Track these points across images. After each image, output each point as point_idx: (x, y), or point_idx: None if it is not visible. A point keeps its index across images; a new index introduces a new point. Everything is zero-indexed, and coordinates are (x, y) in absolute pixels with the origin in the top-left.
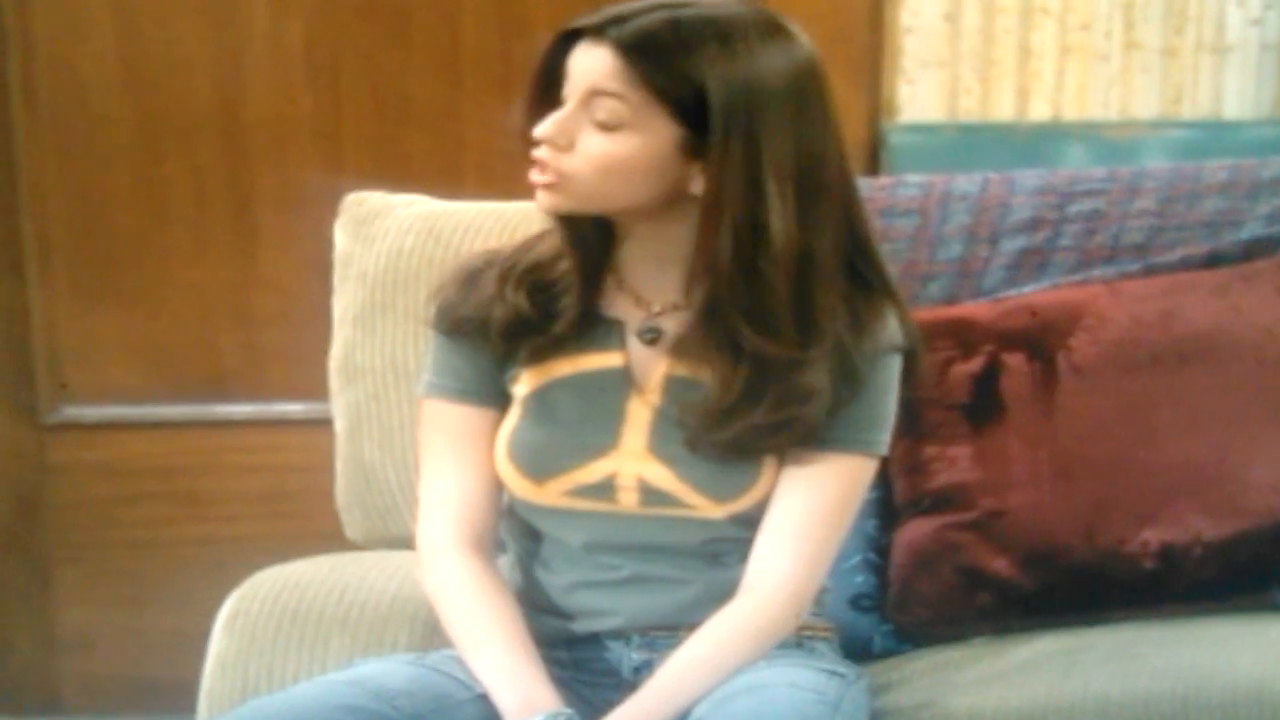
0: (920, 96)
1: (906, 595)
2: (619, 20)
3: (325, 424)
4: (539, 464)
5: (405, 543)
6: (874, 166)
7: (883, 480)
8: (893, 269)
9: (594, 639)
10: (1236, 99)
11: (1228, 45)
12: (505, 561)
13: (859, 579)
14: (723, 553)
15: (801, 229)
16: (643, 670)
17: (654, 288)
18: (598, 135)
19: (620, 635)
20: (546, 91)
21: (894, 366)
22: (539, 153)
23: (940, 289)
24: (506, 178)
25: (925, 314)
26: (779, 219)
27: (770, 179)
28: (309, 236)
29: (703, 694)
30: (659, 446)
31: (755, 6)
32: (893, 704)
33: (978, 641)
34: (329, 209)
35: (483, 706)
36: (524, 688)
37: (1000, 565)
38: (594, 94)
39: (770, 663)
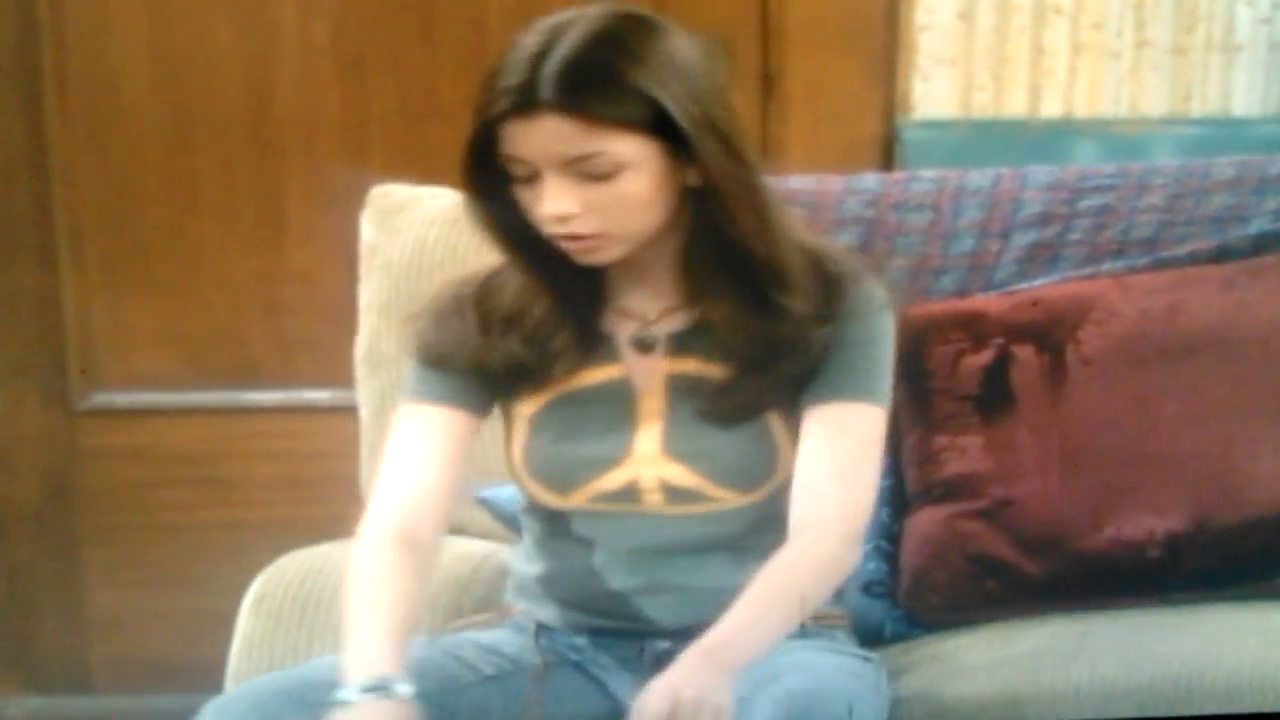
0: (934, 93)
1: (918, 582)
2: (545, 84)
3: (351, 411)
4: (560, 477)
5: None
6: (888, 162)
7: (894, 469)
8: (906, 262)
9: (616, 632)
10: (1245, 96)
11: (1237, 44)
12: (518, 552)
13: (870, 565)
14: (752, 547)
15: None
16: (663, 659)
17: (643, 297)
18: (601, 187)
19: (647, 630)
20: (483, 168)
21: (879, 325)
22: (560, 229)
23: (952, 282)
24: None
25: (937, 306)
26: (762, 184)
27: (743, 150)
28: (336, 228)
29: (780, 632)
30: (673, 447)
31: (628, 7)
32: (904, 688)
33: (987, 627)
34: (356, 201)
35: (490, 689)
36: (370, 667)
37: (1009, 553)
38: (573, 161)
39: (801, 647)
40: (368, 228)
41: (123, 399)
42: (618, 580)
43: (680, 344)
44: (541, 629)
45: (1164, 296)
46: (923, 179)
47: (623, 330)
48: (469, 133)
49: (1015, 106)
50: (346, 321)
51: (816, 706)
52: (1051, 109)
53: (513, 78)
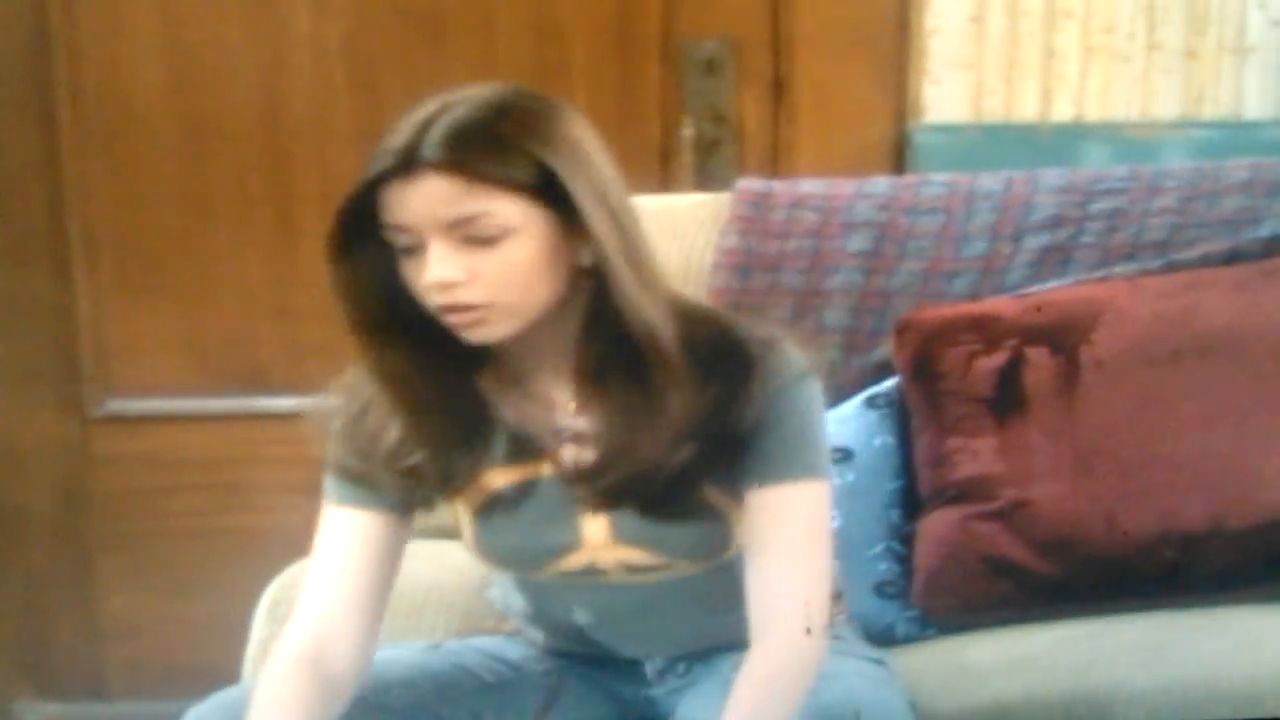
0: (945, 97)
1: (931, 583)
2: (429, 145)
3: None
4: (520, 563)
5: (443, 532)
6: (900, 166)
7: (906, 471)
8: (918, 265)
9: (612, 657)
10: (1257, 99)
11: (1248, 47)
12: (504, 582)
13: (882, 566)
14: (722, 585)
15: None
16: (667, 673)
17: (547, 383)
18: (487, 254)
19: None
20: (354, 235)
21: (804, 395)
22: (445, 298)
23: (964, 285)
24: None
25: (949, 309)
26: (651, 265)
27: (632, 228)
28: None
29: None
30: (624, 535)
31: (512, 85)
32: (916, 690)
33: (999, 629)
34: None
35: (488, 697)
36: None
37: (1022, 555)
38: (457, 223)
39: None
40: None
41: (136, 405)
42: (597, 631)
43: (602, 429)
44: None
45: (1176, 299)
46: (934, 183)
47: (538, 421)
48: (345, 200)
49: (1026, 110)
50: None
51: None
52: (1063, 112)
53: (397, 140)
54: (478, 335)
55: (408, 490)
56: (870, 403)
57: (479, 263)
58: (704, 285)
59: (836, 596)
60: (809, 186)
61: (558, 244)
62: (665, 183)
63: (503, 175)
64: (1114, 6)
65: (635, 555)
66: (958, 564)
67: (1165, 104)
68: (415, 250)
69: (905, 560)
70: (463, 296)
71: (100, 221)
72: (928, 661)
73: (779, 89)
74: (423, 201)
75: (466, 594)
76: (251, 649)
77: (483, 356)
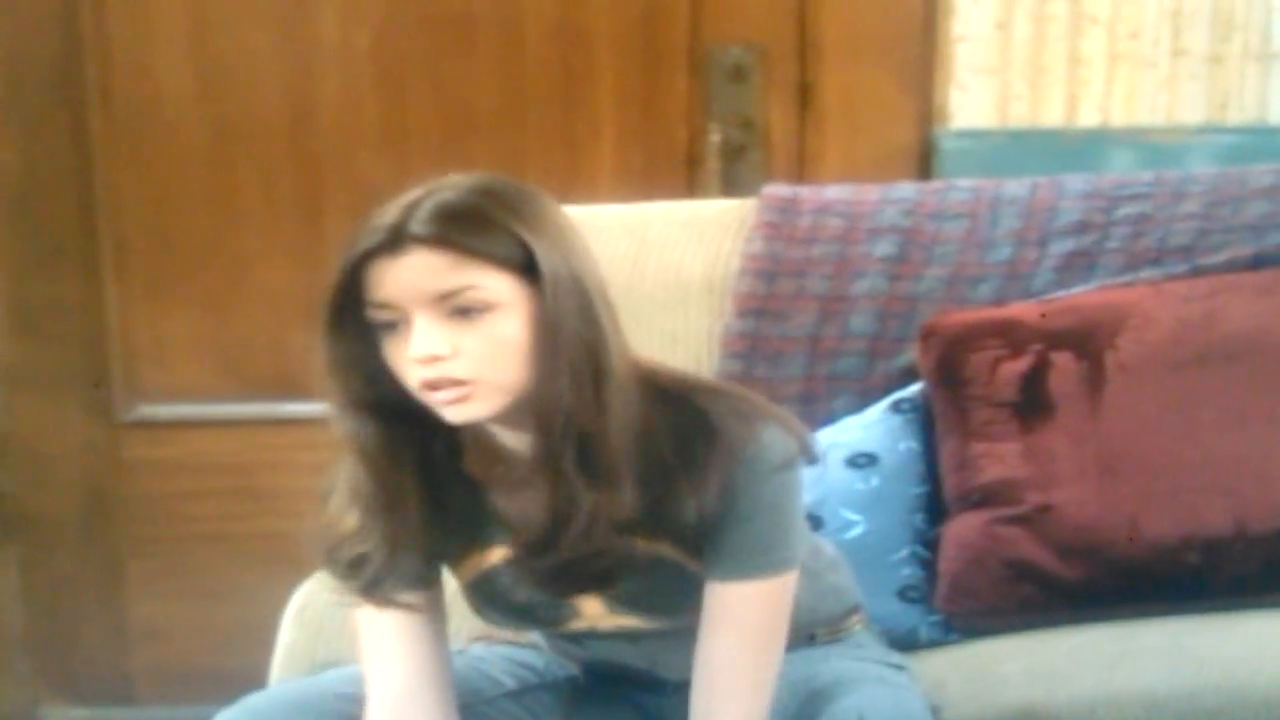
0: (971, 103)
1: (955, 587)
2: (417, 222)
3: None
4: (520, 628)
5: None
6: (925, 172)
7: (931, 475)
8: (943, 271)
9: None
10: None
11: (1273, 52)
12: None
13: (906, 571)
14: None
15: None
16: (686, 687)
17: (519, 464)
18: (473, 329)
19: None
20: (342, 313)
21: (779, 486)
22: (430, 373)
23: (990, 290)
24: (566, 184)
25: (974, 314)
26: (615, 342)
27: (600, 318)
28: None
29: None
30: (618, 604)
31: (494, 174)
32: (940, 694)
33: (1023, 633)
34: None
35: (513, 702)
36: None
37: (1047, 559)
38: (444, 296)
39: (836, 657)
40: None
41: (164, 410)
42: (608, 660)
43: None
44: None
45: (1201, 304)
46: (960, 188)
47: (511, 502)
48: (334, 279)
49: (1052, 116)
50: None
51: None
52: (1088, 118)
53: (384, 219)
54: (460, 413)
55: (406, 583)
56: (895, 408)
57: (465, 338)
58: (730, 291)
59: (855, 608)
60: (834, 192)
61: (541, 325)
62: (691, 189)
63: (489, 251)
64: (1139, 12)
65: (632, 622)
66: (981, 568)
67: (1190, 109)
68: (399, 329)
69: (929, 565)
70: (448, 371)
71: (130, 227)
72: (950, 666)
73: (805, 95)
74: (410, 275)
75: None
76: (279, 654)
77: (461, 441)
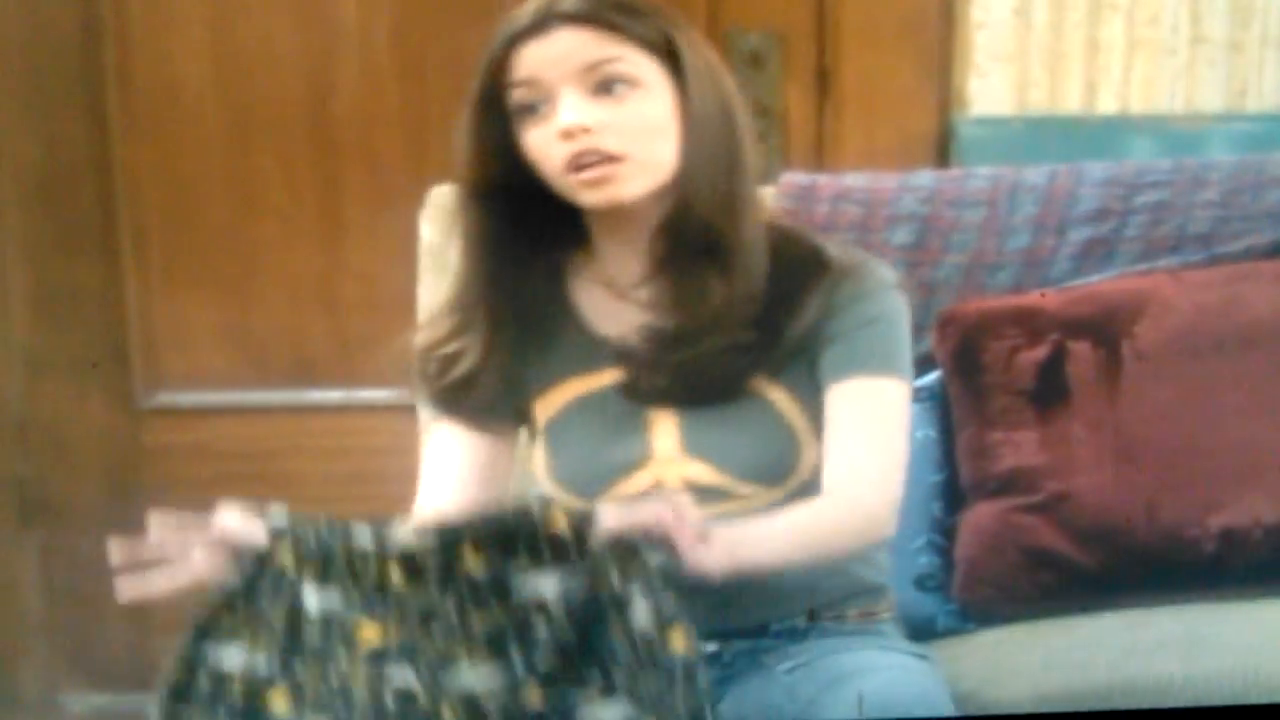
0: (990, 90)
1: (972, 575)
2: (564, 2)
3: (410, 409)
4: (583, 485)
5: None
6: (944, 158)
7: (948, 463)
8: (961, 258)
9: None
10: None
11: None
12: None
13: (923, 560)
14: None
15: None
16: (713, 661)
17: (630, 284)
18: (618, 106)
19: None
20: (486, 103)
21: (889, 302)
22: (577, 146)
23: (1008, 278)
24: None
25: (992, 302)
26: (749, 143)
27: (735, 113)
28: (395, 227)
29: (787, 558)
30: (693, 444)
31: None
32: (957, 682)
33: (1040, 621)
34: (415, 200)
35: None
36: None
37: (1064, 546)
38: (590, 69)
39: (857, 648)
40: (427, 227)
41: (184, 397)
42: None
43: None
44: None
45: (1219, 291)
46: (978, 175)
47: (610, 321)
48: (479, 69)
49: (1071, 103)
50: (406, 320)
51: (897, 706)
52: (1107, 105)
53: (528, 6)
54: (603, 194)
55: (492, 397)
56: (913, 395)
57: (611, 114)
58: None
59: (887, 594)
60: (853, 179)
61: (681, 115)
62: None
63: (634, 29)
64: None
65: (701, 472)
66: (998, 556)
67: (1209, 97)
68: (542, 111)
69: (947, 553)
70: (597, 143)
71: (149, 213)
72: (968, 654)
73: (824, 82)
74: (557, 50)
75: None
76: None
77: (570, 252)
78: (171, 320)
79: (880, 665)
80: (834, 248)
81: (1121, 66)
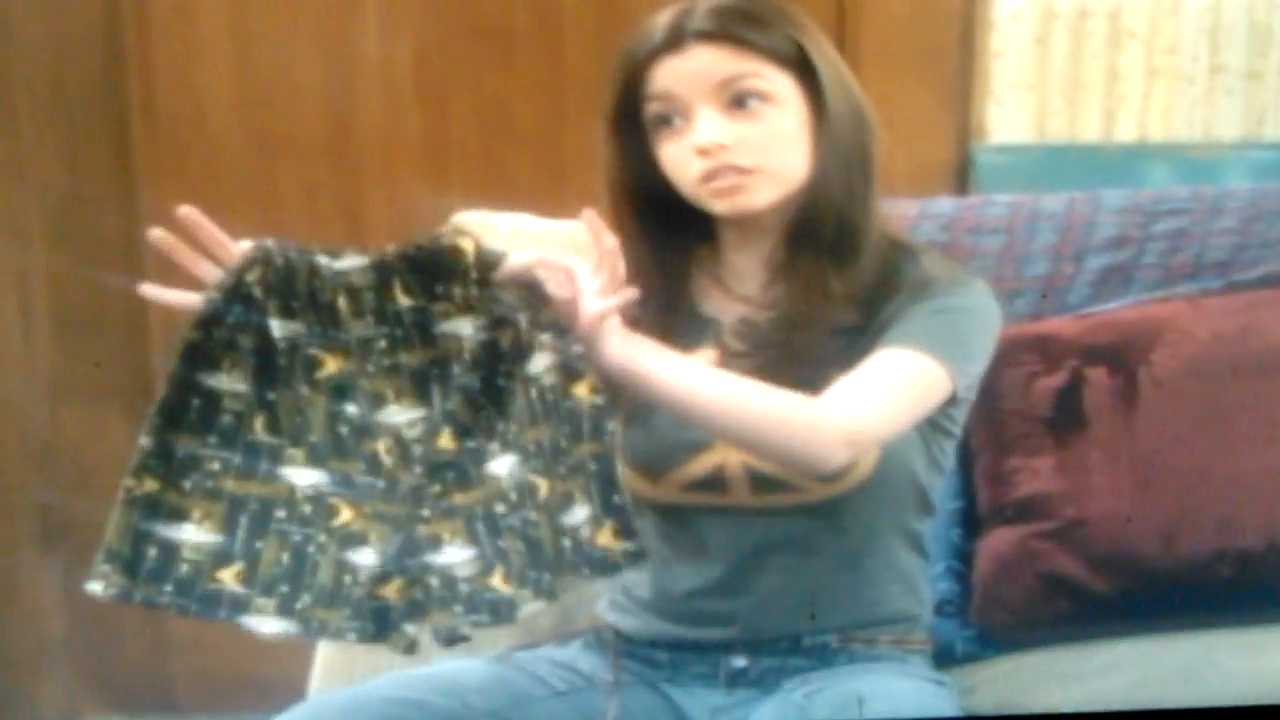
0: (1009, 118)
1: (989, 601)
2: (696, 19)
3: None
4: (651, 462)
5: None
6: (963, 186)
7: (966, 490)
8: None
9: (697, 645)
10: None
11: None
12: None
13: (942, 586)
14: (833, 551)
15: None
16: (739, 677)
17: (750, 283)
18: (752, 121)
19: (727, 642)
20: (621, 117)
21: (970, 296)
22: (710, 161)
23: (1026, 305)
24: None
25: (1010, 329)
26: (874, 158)
27: (867, 115)
28: None
29: (688, 399)
30: None
31: None
32: (975, 707)
33: (1058, 647)
34: (435, 226)
35: (560, 705)
36: None
37: (1080, 573)
38: (725, 85)
39: (878, 673)
40: None
41: None
42: (702, 582)
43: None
44: (622, 642)
45: (1237, 318)
46: (997, 203)
47: (724, 314)
48: (616, 80)
49: (1089, 131)
50: None
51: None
52: (1126, 133)
53: (662, 21)
54: (735, 203)
55: None
56: None
57: (745, 129)
58: None
59: (925, 627)
60: None
61: (814, 123)
62: None
63: (767, 44)
64: (1177, 28)
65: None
66: (1015, 582)
67: (1227, 125)
68: (677, 125)
69: (965, 579)
70: (731, 159)
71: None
72: (985, 679)
73: None
74: (691, 67)
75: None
76: (318, 664)
77: (697, 245)
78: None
79: (894, 690)
80: (933, 257)
81: (1140, 95)
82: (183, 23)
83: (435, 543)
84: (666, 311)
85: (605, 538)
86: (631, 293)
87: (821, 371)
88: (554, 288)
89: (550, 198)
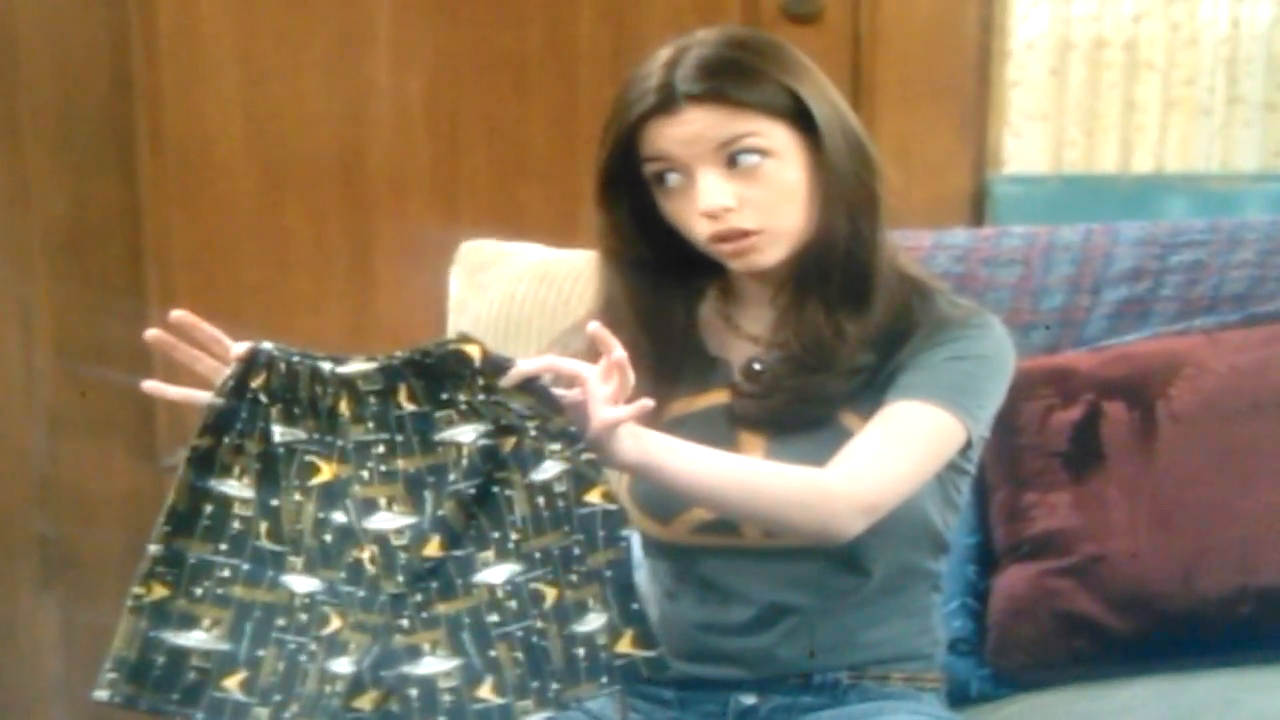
0: (1025, 149)
1: (1005, 640)
2: (684, 80)
3: None
4: (661, 503)
5: None
6: (979, 217)
7: (982, 526)
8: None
9: (705, 683)
10: None
11: None
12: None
13: (957, 624)
14: (845, 591)
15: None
16: (748, 716)
17: (759, 323)
18: (754, 181)
19: (736, 680)
20: (620, 180)
21: (985, 340)
22: (716, 226)
23: (1042, 338)
24: None
25: (1027, 362)
26: (881, 197)
27: (870, 155)
28: (426, 283)
29: (706, 488)
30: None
31: (736, 26)
32: None
33: (1074, 687)
34: (445, 257)
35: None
36: None
37: (1097, 611)
38: (724, 145)
39: (891, 712)
40: (457, 283)
41: None
42: (712, 619)
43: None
44: None
45: (1256, 352)
46: (1013, 234)
47: (735, 355)
48: (607, 142)
49: (1106, 162)
50: None
51: None
52: (1143, 165)
53: (650, 81)
54: (747, 262)
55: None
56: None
57: (747, 190)
58: None
59: (934, 659)
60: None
61: (812, 168)
62: None
63: (759, 100)
64: (1195, 59)
65: None
66: (1031, 621)
67: (1245, 156)
68: (680, 184)
69: (980, 617)
70: (736, 222)
71: (178, 270)
72: (1000, 719)
73: None
74: (688, 131)
75: None
76: None
77: (705, 286)
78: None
79: None
80: (948, 297)
81: (1157, 126)
82: (191, 51)
83: (414, 653)
84: (676, 354)
85: (625, 645)
86: (646, 404)
87: (833, 413)
88: (564, 393)
89: (561, 228)
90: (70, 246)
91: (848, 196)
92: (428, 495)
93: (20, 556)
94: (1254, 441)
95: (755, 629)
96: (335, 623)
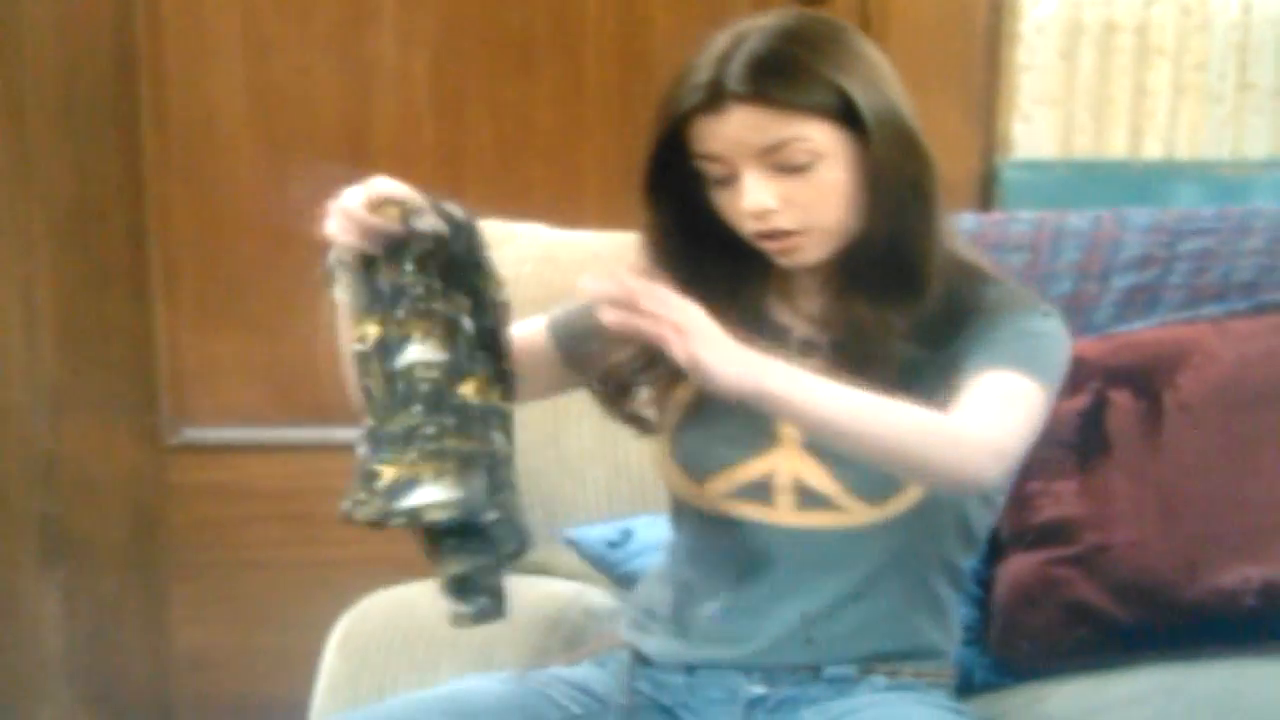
0: (1035, 134)
1: (1009, 629)
2: (732, 78)
3: None
4: (701, 461)
5: (517, 567)
6: (987, 202)
7: None
8: None
9: (717, 666)
10: None
11: None
12: (652, 573)
13: (961, 612)
14: (871, 582)
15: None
16: (757, 705)
17: (814, 302)
18: (800, 180)
19: (746, 666)
20: (668, 172)
21: (1046, 322)
22: (760, 225)
23: None
24: (626, 208)
25: None
26: (936, 190)
27: (923, 149)
28: None
29: (833, 418)
30: (813, 442)
31: (813, 11)
32: None
33: (1078, 676)
34: None
35: None
36: None
37: (1102, 600)
38: (769, 150)
39: (897, 703)
40: None
41: (212, 435)
42: (727, 598)
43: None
44: (640, 664)
45: (1263, 341)
46: (1021, 220)
47: (794, 327)
48: (654, 135)
49: (1116, 148)
50: None
51: None
52: (1153, 151)
53: (700, 75)
54: (792, 260)
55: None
56: None
57: (793, 190)
58: None
59: (946, 655)
60: None
61: (862, 166)
62: None
63: (806, 101)
64: (1205, 45)
65: (813, 473)
66: (1036, 609)
67: (1256, 143)
68: (729, 181)
69: (984, 606)
70: (779, 223)
71: (181, 249)
72: (1005, 709)
73: None
74: (733, 132)
75: (540, 630)
76: (321, 683)
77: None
78: (200, 357)
79: (909, 716)
80: (1004, 282)
81: (1167, 112)
82: (194, 30)
83: None
84: (744, 319)
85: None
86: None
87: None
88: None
89: (567, 208)
90: (72, 224)
91: (897, 193)
92: (461, 339)
93: (22, 535)
94: (1261, 431)
95: (768, 611)
96: None
